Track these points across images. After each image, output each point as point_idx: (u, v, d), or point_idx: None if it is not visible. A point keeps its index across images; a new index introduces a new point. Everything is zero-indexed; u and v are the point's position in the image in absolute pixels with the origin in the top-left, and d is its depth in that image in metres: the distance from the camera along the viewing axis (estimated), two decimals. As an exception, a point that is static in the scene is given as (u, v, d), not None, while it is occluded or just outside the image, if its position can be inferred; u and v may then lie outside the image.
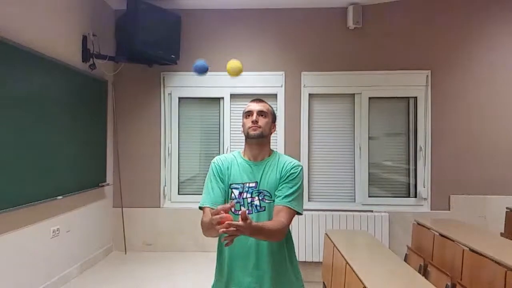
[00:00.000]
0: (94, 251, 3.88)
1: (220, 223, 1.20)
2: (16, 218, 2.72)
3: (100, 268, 3.78)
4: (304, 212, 3.88)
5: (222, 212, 1.23)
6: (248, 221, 1.21)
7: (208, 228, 1.41)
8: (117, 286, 3.31)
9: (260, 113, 1.60)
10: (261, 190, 1.55)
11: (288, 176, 1.54)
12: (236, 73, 1.41)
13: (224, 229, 1.18)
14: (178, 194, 4.27)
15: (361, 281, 2.03)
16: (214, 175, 1.60)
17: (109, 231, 4.20)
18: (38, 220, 2.99)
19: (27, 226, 2.86)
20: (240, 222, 1.19)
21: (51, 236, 3.16)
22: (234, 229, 1.18)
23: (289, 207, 1.49)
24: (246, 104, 1.67)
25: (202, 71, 1.70)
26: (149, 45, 3.70)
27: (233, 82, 4.16)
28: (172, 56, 3.92)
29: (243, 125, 1.62)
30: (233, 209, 1.55)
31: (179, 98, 4.26)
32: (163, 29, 3.81)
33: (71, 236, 3.44)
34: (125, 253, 4.16)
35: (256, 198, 1.54)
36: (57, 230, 3.23)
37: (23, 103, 2.72)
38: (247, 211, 1.52)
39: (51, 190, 3.06)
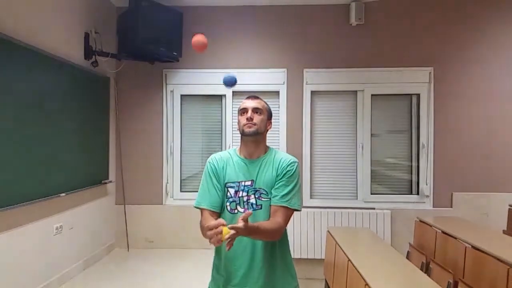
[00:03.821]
0: (96, 248, 3.90)
1: (212, 237, 1.19)
2: (19, 215, 2.73)
3: (102, 265, 3.80)
4: (306, 209, 3.94)
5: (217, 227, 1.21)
6: (246, 223, 1.22)
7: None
8: (119, 283, 3.33)
9: (255, 110, 1.58)
10: (258, 188, 1.54)
11: (284, 174, 1.53)
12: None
13: (218, 242, 1.17)
14: (181, 191, 4.28)
15: (363, 278, 2.03)
16: (210, 175, 1.59)
17: (111, 228, 4.21)
18: (41, 217, 3.00)
19: (30, 223, 2.87)
20: (240, 225, 1.21)
21: (54, 233, 3.17)
22: (234, 232, 1.19)
23: (286, 207, 1.49)
24: (247, 102, 1.66)
25: (231, 83, 1.71)
26: (151, 42, 3.70)
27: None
28: (174, 53, 3.91)
29: (238, 122, 1.61)
30: (228, 208, 1.55)
31: (181, 95, 4.26)
32: (165, 26, 3.81)
33: (74, 233, 3.46)
34: (128, 250, 4.18)
35: (252, 196, 1.53)
36: (60, 227, 3.24)
37: (25, 100, 2.73)
38: (243, 210, 1.53)
39: (54, 187, 3.07)
